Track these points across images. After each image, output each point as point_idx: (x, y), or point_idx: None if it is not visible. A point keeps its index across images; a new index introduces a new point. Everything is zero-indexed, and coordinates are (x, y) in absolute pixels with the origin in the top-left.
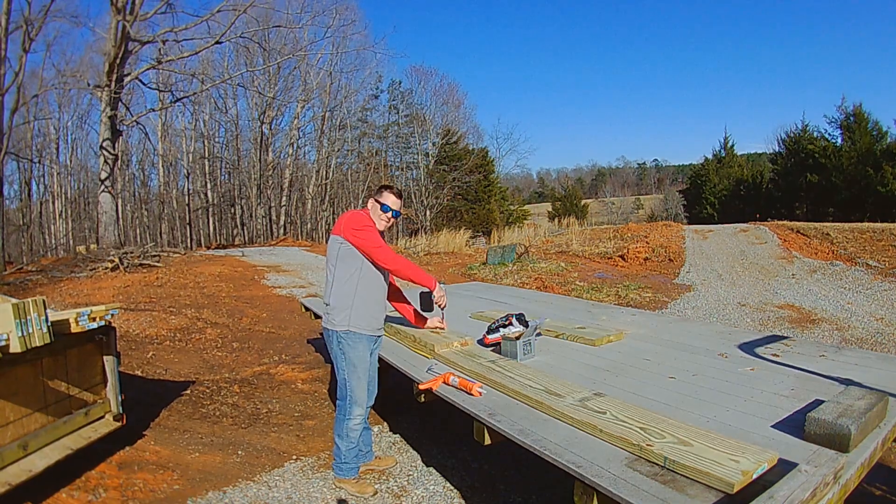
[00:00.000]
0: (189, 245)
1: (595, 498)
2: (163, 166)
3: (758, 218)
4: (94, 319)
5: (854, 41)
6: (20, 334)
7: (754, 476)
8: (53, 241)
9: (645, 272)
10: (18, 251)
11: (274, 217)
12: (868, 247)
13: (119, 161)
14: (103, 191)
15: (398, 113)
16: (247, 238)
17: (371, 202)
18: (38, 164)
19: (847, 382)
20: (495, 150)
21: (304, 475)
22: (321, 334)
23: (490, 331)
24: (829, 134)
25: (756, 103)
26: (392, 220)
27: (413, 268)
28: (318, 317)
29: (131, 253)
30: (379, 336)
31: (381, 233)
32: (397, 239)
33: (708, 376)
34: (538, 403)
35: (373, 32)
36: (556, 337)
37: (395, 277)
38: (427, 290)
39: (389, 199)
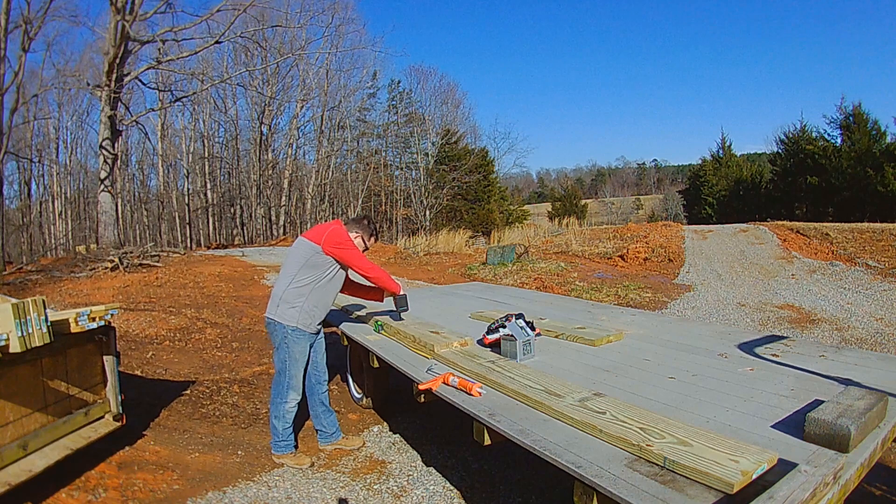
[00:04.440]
0: (189, 245)
1: (595, 498)
2: (162, 166)
3: (757, 218)
4: (93, 319)
5: (853, 41)
6: (20, 334)
7: (754, 476)
8: (53, 241)
9: (644, 272)
10: (18, 251)
11: (273, 217)
12: (868, 247)
13: (118, 161)
14: (103, 190)
15: (397, 112)
16: (246, 238)
17: (359, 239)
18: (37, 164)
19: (847, 382)
20: (493, 149)
21: (303, 475)
22: None
23: (490, 331)
24: (829, 134)
25: (755, 103)
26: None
27: (387, 276)
28: None
29: (131, 253)
30: (318, 333)
31: None
32: (397, 239)
33: (707, 376)
34: (538, 403)
35: (371, 31)
36: (556, 337)
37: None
38: (402, 294)
39: (371, 243)
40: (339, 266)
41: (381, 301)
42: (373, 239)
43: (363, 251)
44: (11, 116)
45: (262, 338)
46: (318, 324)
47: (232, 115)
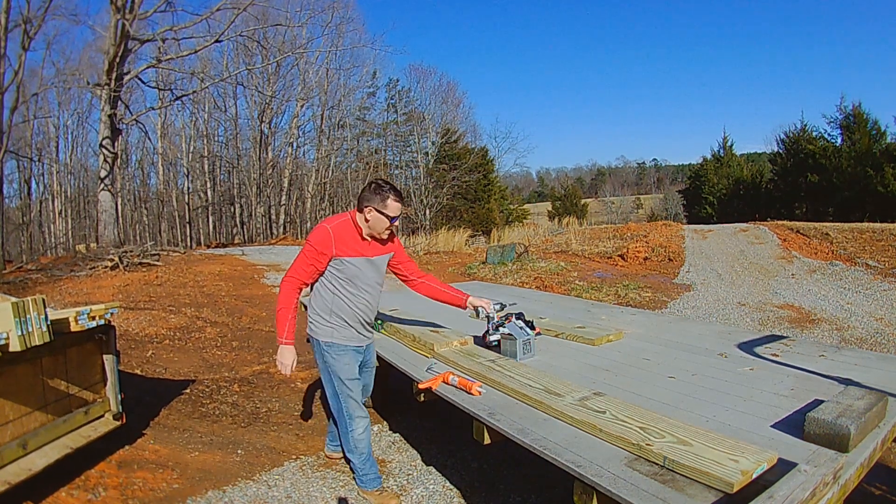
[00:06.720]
0: (189, 244)
1: (594, 497)
2: (162, 165)
3: (757, 218)
4: (93, 318)
5: (853, 41)
6: (20, 333)
7: (754, 476)
8: (53, 240)
9: (644, 272)
10: (18, 250)
11: (273, 216)
12: (868, 247)
13: (118, 160)
14: (103, 189)
15: (397, 112)
16: (246, 237)
17: (372, 213)
18: (37, 163)
19: (847, 382)
20: (494, 148)
21: (303, 474)
22: None
23: (489, 330)
24: (829, 134)
25: (755, 103)
26: (393, 226)
27: (279, 318)
28: None
29: (131, 252)
30: (366, 346)
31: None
32: None
33: (707, 376)
34: (538, 403)
35: (371, 30)
36: (556, 336)
37: (426, 280)
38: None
39: (393, 209)
40: (345, 264)
41: (464, 307)
42: (392, 201)
43: (391, 221)
44: (11, 115)
45: (261, 337)
46: (363, 338)
47: (232, 113)
